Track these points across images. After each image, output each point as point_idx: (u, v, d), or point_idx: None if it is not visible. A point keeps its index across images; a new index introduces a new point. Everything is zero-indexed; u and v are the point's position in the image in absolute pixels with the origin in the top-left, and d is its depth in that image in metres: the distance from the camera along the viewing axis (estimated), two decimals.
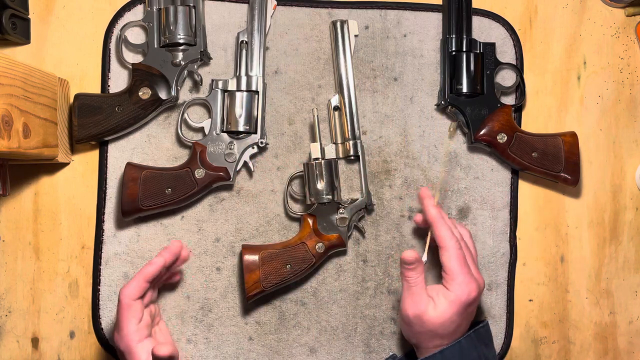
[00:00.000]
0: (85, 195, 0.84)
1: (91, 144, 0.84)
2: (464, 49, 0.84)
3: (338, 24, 0.84)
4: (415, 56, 0.86)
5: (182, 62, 0.82)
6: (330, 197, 0.81)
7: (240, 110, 0.82)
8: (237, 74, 0.83)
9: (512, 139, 0.83)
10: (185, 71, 0.83)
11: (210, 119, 0.83)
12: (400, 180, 0.86)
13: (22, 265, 0.84)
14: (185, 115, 0.83)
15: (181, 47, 0.82)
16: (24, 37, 0.84)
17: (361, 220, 0.84)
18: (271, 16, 0.85)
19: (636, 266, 0.88)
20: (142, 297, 0.74)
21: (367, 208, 0.83)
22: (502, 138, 0.83)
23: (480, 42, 0.85)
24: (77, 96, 0.81)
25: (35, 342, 0.83)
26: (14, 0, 0.81)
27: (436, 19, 0.87)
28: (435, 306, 0.73)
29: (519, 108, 0.87)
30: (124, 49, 0.84)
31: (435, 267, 0.84)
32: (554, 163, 0.83)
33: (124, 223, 0.83)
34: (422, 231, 0.85)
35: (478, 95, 0.84)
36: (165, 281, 0.81)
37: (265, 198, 0.85)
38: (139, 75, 0.81)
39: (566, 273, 0.87)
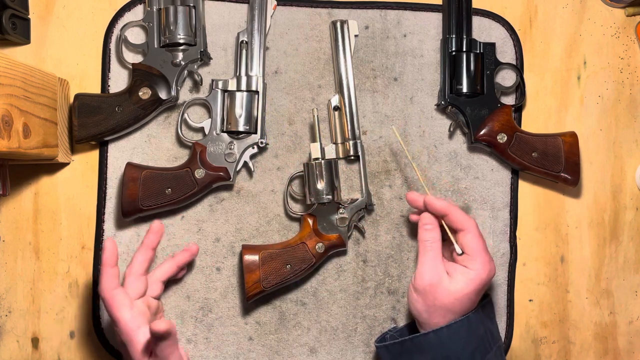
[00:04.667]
0: (85, 195, 0.84)
1: (91, 144, 0.84)
2: (464, 49, 0.84)
3: (338, 24, 0.84)
4: (415, 56, 0.86)
5: (182, 62, 0.82)
6: (330, 197, 0.81)
7: (240, 110, 0.82)
8: (237, 74, 0.83)
9: (512, 139, 0.83)
10: (185, 71, 0.83)
11: (210, 119, 0.83)
12: (400, 180, 0.86)
13: (22, 265, 0.84)
14: (185, 115, 0.83)
15: (181, 47, 0.82)
16: (24, 37, 0.84)
17: (361, 220, 0.84)
18: (271, 16, 0.85)
19: (636, 266, 0.88)
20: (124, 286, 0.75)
21: (367, 208, 0.83)
22: (502, 138, 0.83)
23: (480, 42, 0.85)
24: (77, 96, 0.81)
25: (35, 342, 0.83)
26: (14, 0, 0.81)
27: (436, 19, 0.87)
28: (452, 281, 0.72)
29: (519, 108, 0.87)
30: (124, 49, 0.84)
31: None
32: (554, 163, 0.83)
33: (124, 223, 0.83)
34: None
35: (478, 95, 0.84)
36: (173, 276, 0.81)
37: (265, 198, 0.84)
38: (139, 75, 0.81)
39: (566, 273, 0.87)
